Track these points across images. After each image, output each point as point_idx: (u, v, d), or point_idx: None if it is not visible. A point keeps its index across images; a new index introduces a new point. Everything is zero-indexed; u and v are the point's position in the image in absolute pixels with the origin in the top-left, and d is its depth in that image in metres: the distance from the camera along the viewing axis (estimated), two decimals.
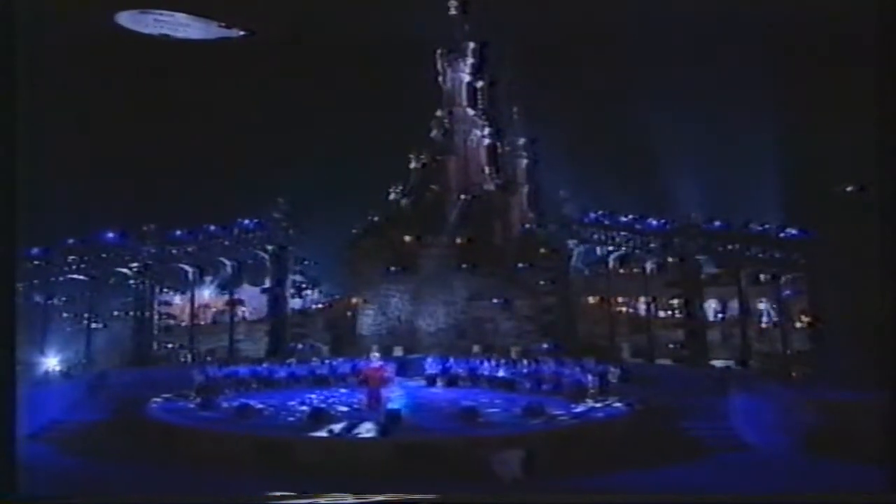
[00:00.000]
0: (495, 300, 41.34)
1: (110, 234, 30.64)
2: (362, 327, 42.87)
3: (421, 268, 42.97)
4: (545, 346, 32.30)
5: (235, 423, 20.20)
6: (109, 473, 18.28)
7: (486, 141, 46.48)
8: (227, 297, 41.69)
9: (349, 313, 43.98)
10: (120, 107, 39.65)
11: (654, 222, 29.70)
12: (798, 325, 31.07)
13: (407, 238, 44.12)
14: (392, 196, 46.79)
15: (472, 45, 45.97)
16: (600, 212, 31.64)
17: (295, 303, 42.38)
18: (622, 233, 30.78)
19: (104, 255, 30.06)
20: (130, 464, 18.77)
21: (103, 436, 20.99)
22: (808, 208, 24.84)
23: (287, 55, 44.24)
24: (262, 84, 47.05)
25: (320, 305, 44.77)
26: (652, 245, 29.58)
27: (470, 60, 46.00)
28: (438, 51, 46.07)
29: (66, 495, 15.26)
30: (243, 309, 42.21)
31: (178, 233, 32.39)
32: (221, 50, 36.55)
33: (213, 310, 48.41)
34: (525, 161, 46.03)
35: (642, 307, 31.48)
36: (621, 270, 32.80)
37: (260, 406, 21.87)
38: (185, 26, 32.30)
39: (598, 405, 21.94)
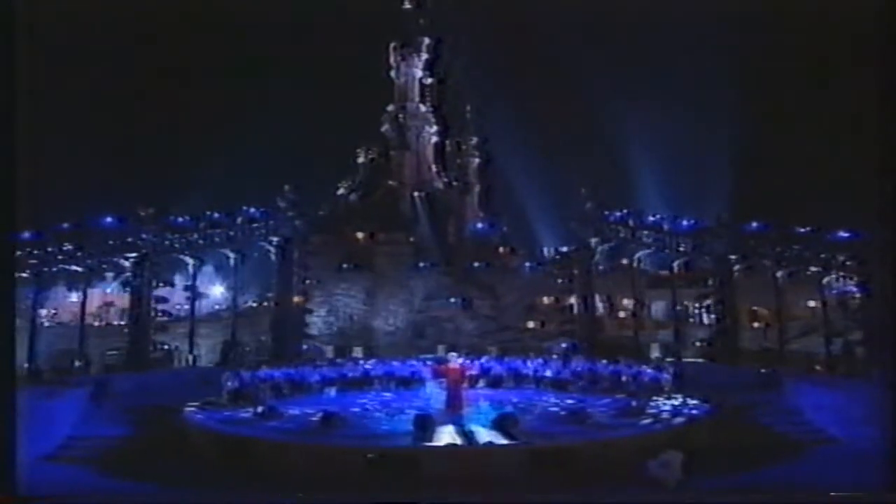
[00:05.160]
0: (452, 299, 39.54)
1: (108, 219, 25.17)
2: (311, 327, 39.20)
3: (375, 265, 40.20)
4: (564, 345, 30.82)
5: (324, 434, 16.90)
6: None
7: (437, 138, 44.54)
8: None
9: (289, 312, 40.20)
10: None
11: (686, 222, 29.14)
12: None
13: (360, 234, 41.21)
14: (341, 191, 43.62)
15: (426, 40, 43.86)
16: (625, 210, 30.68)
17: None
18: (646, 232, 29.98)
19: (98, 244, 24.62)
20: (210, 485, 15.20)
21: (148, 452, 16.90)
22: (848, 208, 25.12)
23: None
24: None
25: (254, 304, 40.69)
26: (682, 246, 28.94)
27: (424, 56, 43.84)
28: (392, 45, 43.62)
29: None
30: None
31: (180, 220, 27.27)
32: None
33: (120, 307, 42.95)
34: (477, 160, 44.54)
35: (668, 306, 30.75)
36: (643, 264, 31.84)
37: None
38: None
39: (677, 403, 20.73)
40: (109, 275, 39.77)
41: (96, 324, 38.63)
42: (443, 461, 15.59)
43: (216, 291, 43.96)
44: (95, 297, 40.32)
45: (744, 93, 37.43)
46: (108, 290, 44.44)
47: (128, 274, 32.47)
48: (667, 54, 40.31)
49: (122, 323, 38.95)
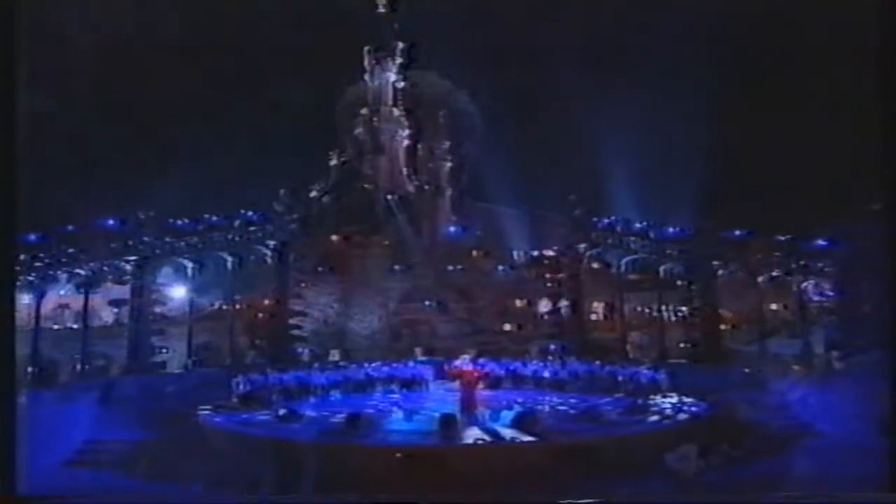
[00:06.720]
0: (427, 302, 39.79)
1: (110, 222, 24.51)
2: (287, 330, 38.81)
3: (349, 268, 40.12)
4: (552, 346, 31.47)
5: (353, 435, 17.06)
6: None
7: (409, 142, 44.77)
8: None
9: (261, 315, 39.82)
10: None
11: (672, 229, 30.15)
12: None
13: (333, 237, 41.08)
14: (313, 194, 43.40)
15: (400, 44, 44.09)
16: (613, 217, 31.53)
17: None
18: (633, 238, 30.83)
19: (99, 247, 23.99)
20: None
21: (178, 456, 16.77)
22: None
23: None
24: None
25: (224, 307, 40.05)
26: (668, 251, 29.96)
27: (398, 60, 44.06)
28: (366, 48, 43.74)
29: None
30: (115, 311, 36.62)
31: (179, 223, 26.69)
32: None
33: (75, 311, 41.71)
34: (449, 164, 45.00)
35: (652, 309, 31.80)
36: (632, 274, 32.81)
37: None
38: None
39: (675, 402, 21.62)
40: (63, 276, 38.58)
41: (55, 327, 37.71)
42: (472, 459, 16.00)
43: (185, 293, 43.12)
44: (49, 299, 39.10)
45: (734, 95, 38.47)
46: (62, 293, 43.09)
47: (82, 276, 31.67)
48: (649, 56, 41.29)
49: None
